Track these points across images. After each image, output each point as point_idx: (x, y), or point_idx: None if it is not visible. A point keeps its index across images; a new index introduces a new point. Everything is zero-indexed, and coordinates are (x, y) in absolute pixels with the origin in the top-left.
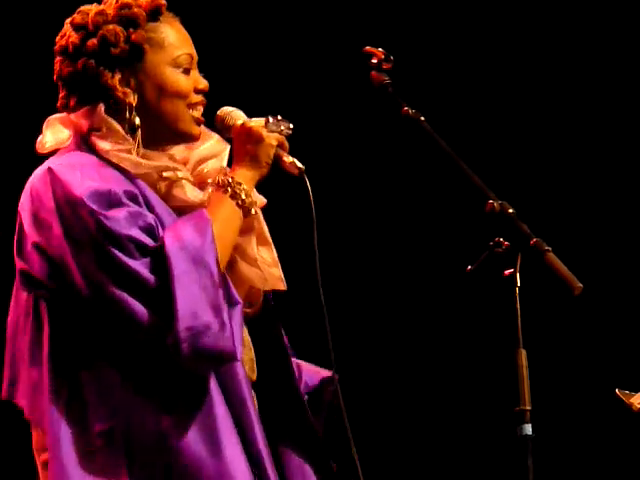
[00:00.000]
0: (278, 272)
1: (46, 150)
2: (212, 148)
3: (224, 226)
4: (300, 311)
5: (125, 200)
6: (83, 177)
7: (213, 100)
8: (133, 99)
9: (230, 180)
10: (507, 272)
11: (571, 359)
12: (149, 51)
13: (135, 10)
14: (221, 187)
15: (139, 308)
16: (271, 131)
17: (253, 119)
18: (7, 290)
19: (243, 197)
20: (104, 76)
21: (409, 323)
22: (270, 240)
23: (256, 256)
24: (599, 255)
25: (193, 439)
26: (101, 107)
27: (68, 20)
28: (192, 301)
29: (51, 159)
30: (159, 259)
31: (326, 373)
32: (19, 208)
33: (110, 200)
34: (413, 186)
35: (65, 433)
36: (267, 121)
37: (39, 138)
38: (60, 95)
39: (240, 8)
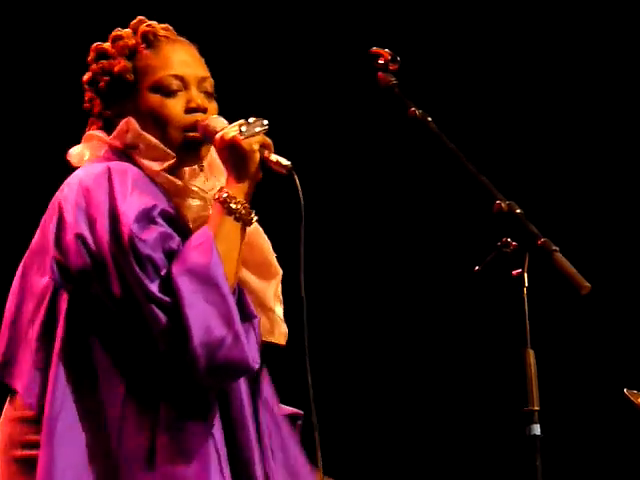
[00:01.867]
0: (285, 329)
1: (83, 163)
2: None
3: (226, 242)
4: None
5: (160, 220)
6: (133, 188)
7: (221, 102)
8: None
9: (225, 195)
10: (515, 272)
11: (579, 359)
12: (133, 80)
13: (122, 42)
14: (219, 204)
15: (164, 321)
16: (247, 137)
17: (230, 126)
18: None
19: (242, 211)
20: (98, 107)
21: (417, 323)
22: (277, 270)
23: (273, 307)
24: (607, 255)
25: (182, 461)
26: (134, 121)
27: None
28: (203, 318)
29: (98, 163)
30: (168, 283)
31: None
32: (60, 200)
33: (149, 217)
34: (420, 187)
35: (63, 430)
36: (240, 131)
37: (76, 152)
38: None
39: (246, 9)
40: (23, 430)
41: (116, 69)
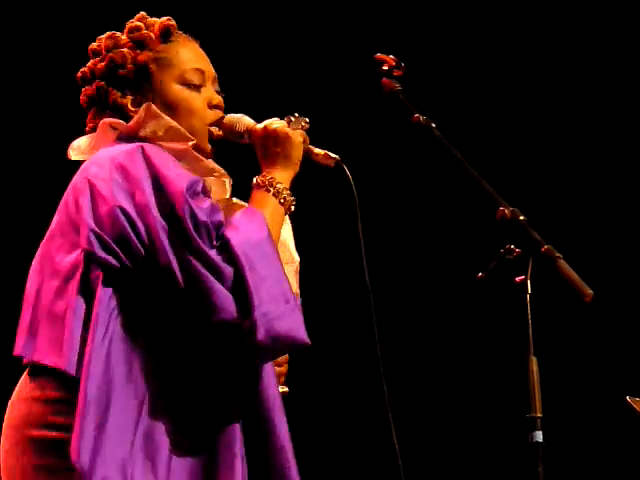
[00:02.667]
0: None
1: (85, 153)
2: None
3: (272, 221)
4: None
5: (203, 194)
6: (174, 162)
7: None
8: None
9: (271, 179)
10: (518, 279)
11: (582, 366)
12: (156, 71)
13: (144, 32)
14: (262, 187)
15: (221, 290)
16: (295, 129)
17: (269, 120)
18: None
19: (285, 195)
20: (113, 96)
21: (421, 329)
22: (295, 256)
23: (295, 291)
24: (610, 262)
25: (206, 448)
26: (154, 107)
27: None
28: (264, 288)
29: (121, 145)
30: (227, 251)
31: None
32: (89, 177)
33: (196, 189)
34: (424, 193)
35: (95, 403)
36: (289, 120)
37: (80, 143)
38: (87, 119)
39: (251, 15)
40: (46, 410)
41: (140, 58)
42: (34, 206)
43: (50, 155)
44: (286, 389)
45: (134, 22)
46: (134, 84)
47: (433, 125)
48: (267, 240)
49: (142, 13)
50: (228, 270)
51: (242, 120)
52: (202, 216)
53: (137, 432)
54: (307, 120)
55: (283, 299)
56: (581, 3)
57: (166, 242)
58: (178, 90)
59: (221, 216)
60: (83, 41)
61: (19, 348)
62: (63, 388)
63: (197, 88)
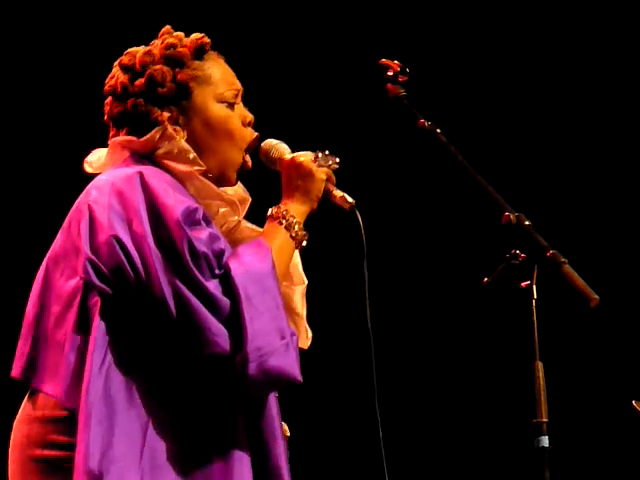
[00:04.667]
0: (310, 335)
1: (103, 168)
2: (236, 194)
3: (279, 255)
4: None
5: (203, 222)
6: (174, 189)
7: None
8: (183, 135)
9: (285, 212)
10: (524, 284)
11: (588, 371)
12: (195, 88)
13: (180, 50)
14: (275, 219)
15: (214, 323)
16: (320, 166)
17: (300, 153)
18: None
19: (297, 229)
20: (154, 113)
21: (426, 334)
22: (303, 279)
23: (300, 311)
24: (616, 267)
25: (208, 472)
26: (170, 129)
27: (116, 62)
28: (260, 323)
29: (125, 167)
30: (226, 282)
31: None
32: (89, 202)
33: (194, 218)
34: (429, 198)
35: (97, 425)
36: (316, 156)
37: (94, 157)
38: (110, 134)
39: (257, 22)
40: (45, 430)
41: (180, 77)
42: (44, 219)
43: (65, 167)
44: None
45: (168, 38)
46: (173, 102)
47: (438, 130)
48: (269, 274)
49: (167, 27)
50: (224, 302)
51: (277, 147)
52: (201, 246)
53: (142, 458)
54: (337, 160)
55: (279, 335)
56: (585, 7)
57: (161, 274)
58: (217, 109)
59: (222, 244)
60: (102, 54)
61: (18, 370)
62: (62, 407)
63: (231, 106)
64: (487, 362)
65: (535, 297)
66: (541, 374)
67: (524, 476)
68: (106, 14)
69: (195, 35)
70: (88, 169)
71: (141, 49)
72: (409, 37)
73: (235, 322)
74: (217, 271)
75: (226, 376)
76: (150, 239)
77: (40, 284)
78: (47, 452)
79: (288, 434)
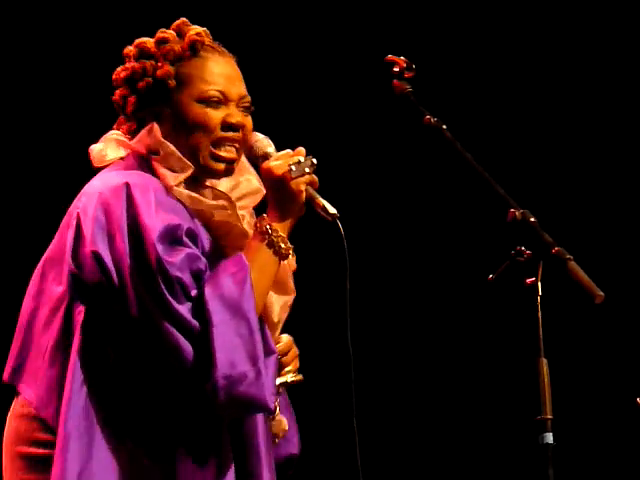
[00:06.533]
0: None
1: (105, 163)
2: (248, 186)
3: (261, 273)
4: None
5: (186, 239)
6: (157, 206)
7: None
8: (161, 132)
9: (268, 227)
10: (529, 281)
11: (592, 368)
12: (175, 86)
13: (169, 46)
14: (259, 234)
15: (185, 346)
16: (296, 177)
17: (279, 154)
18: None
19: (281, 245)
20: (131, 106)
21: (431, 331)
22: (291, 291)
23: (275, 320)
24: (621, 264)
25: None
26: (157, 129)
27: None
28: (230, 350)
29: (117, 172)
30: (199, 306)
31: (295, 448)
32: (79, 211)
33: (174, 237)
34: (435, 195)
35: (76, 439)
36: (290, 169)
37: (96, 151)
38: (117, 122)
39: (264, 19)
40: (31, 427)
41: (159, 73)
42: (47, 209)
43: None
44: (300, 377)
45: (166, 31)
46: (152, 97)
47: (444, 127)
48: (245, 298)
49: (183, 19)
50: (195, 325)
51: (258, 144)
52: (174, 271)
53: (123, 474)
54: (314, 161)
55: (249, 362)
56: (590, 6)
57: (135, 294)
58: (194, 107)
59: (201, 264)
60: (115, 42)
61: (7, 374)
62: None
63: (216, 106)
64: (492, 359)
65: (540, 294)
66: (546, 371)
67: (528, 473)
68: (122, 8)
69: (194, 31)
70: (93, 160)
71: (142, 40)
72: (415, 33)
73: (205, 347)
74: (193, 292)
75: (197, 399)
76: (128, 258)
77: (37, 284)
78: (33, 449)
79: (286, 428)
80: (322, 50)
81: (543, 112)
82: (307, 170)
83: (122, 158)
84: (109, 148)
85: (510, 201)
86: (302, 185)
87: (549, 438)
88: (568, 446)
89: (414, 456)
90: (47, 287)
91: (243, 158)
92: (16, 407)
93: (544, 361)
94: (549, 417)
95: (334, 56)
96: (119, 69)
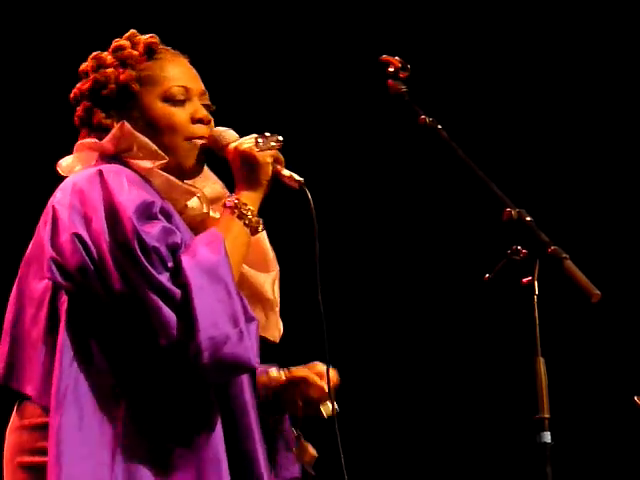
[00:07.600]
0: (280, 326)
1: (73, 173)
2: (214, 191)
3: (234, 244)
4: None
5: (161, 217)
6: (130, 185)
7: (229, 112)
8: None
9: (237, 201)
10: (525, 280)
11: (590, 367)
12: (139, 89)
13: (126, 52)
14: (228, 209)
15: (169, 314)
16: (263, 150)
17: (244, 138)
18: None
19: (250, 217)
20: (98, 116)
21: (427, 331)
22: (274, 266)
23: (270, 296)
24: (617, 263)
25: (183, 464)
26: (127, 125)
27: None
28: (211, 312)
29: (88, 167)
30: (178, 275)
31: (297, 471)
32: (54, 203)
33: (149, 212)
34: (430, 194)
35: (70, 429)
36: (256, 142)
37: (66, 162)
38: (79, 138)
39: (258, 19)
40: (33, 437)
41: (122, 77)
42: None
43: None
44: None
45: (120, 41)
46: (118, 104)
47: (439, 127)
48: (221, 263)
49: (132, 31)
50: (176, 292)
51: (225, 134)
52: (151, 241)
53: (115, 458)
54: (280, 138)
55: (231, 323)
56: (587, 5)
57: (117, 268)
58: (161, 107)
59: (177, 238)
60: (81, 59)
61: (0, 376)
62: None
63: (181, 103)
64: (489, 358)
65: (537, 293)
66: (543, 370)
67: (526, 472)
68: (91, 17)
69: (146, 36)
70: (61, 172)
71: (96, 53)
72: (410, 33)
73: (187, 312)
74: (170, 264)
75: (182, 364)
76: (107, 235)
77: (16, 288)
78: (37, 458)
79: (315, 454)
80: (317, 50)
81: (538, 111)
82: (272, 144)
83: (92, 164)
84: (80, 159)
85: (506, 200)
86: (269, 157)
87: (547, 437)
88: (566, 445)
89: (412, 455)
90: (27, 286)
91: (206, 167)
92: (16, 420)
93: (541, 360)
94: (546, 416)
95: (329, 56)
96: (78, 85)
